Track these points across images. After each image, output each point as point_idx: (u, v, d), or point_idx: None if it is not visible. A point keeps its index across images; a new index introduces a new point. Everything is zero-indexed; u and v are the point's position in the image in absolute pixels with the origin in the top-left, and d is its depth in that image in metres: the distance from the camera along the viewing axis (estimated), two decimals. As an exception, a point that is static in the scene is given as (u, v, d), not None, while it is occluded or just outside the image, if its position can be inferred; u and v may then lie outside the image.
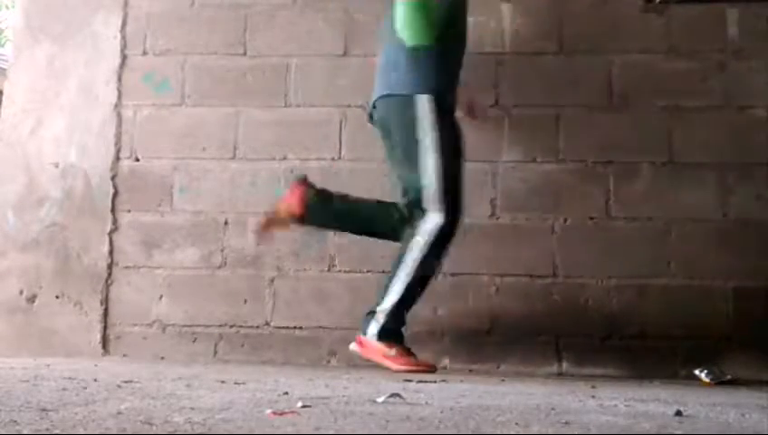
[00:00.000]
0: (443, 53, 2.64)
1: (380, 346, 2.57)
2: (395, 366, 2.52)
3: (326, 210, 2.77)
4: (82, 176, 3.16)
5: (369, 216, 2.74)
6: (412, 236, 2.58)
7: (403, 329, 2.62)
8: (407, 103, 2.60)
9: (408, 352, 2.59)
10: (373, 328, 2.59)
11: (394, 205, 2.69)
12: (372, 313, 2.61)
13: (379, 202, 2.74)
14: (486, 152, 3.00)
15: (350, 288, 2.97)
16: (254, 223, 2.99)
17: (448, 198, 2.58)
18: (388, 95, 2.66)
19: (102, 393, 1.52)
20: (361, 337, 2.62)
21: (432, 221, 2.57)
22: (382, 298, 2.60)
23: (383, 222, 2.70)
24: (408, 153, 2.62)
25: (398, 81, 2.63)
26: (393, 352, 2.55)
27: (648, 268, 2.90)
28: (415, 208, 2.61)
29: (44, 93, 3.23)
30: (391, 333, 2.59)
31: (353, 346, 2.64)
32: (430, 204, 2.58)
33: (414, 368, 2.50)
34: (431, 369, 2.57)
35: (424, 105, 2.59)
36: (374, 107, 2.72)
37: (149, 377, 1.95)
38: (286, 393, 1.63)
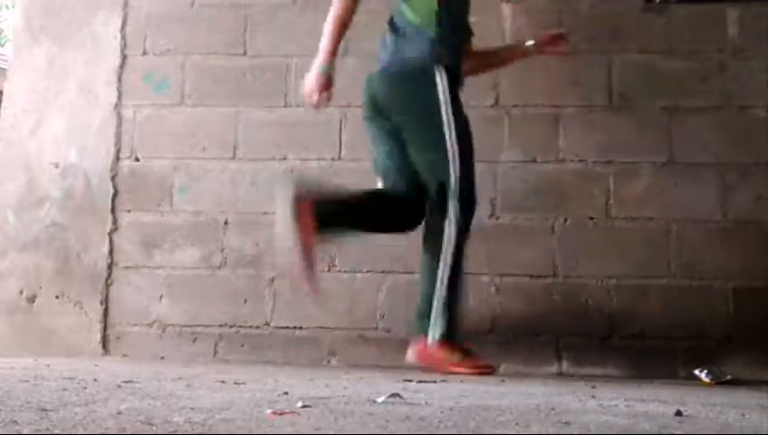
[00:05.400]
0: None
1: (443, 354, 2.47)
2: (467, 370, 2.43)
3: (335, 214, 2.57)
4: (82, 176, 3.16)
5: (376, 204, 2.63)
6: (440, 230, 2.49)
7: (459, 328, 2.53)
8: (424, 79, 2.54)
9: (468, 351, 2.50)
10: (433, 333, 2.47)
11: (404, 196, 2.61)
12: (425, 313, 2.49)
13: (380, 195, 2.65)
14: (486, 152, 3.00)
15: (350, 288, 2.97)
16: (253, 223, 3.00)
17: (465, 178, 2.52)
18: (399, 68, 2.59)
19: (102, 393, 1.52)
20: (422, 344, 2.50)
21: (456, 206, 2.50)
22: (431, 296, 2.48)
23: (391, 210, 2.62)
24: (427, 136, 2.56)
25: (415, 53, 2.58)
26: (457, 356, 2.46)
27: (648, 268, 2.90)
28: (434, 197, 2.52)
29: (44, 93, 3.23)
30: (452, 334, 2.48)
31: (412, 356, 2.52)
32: (450, 192, 2.50)
33: (481, 369, 2.45)
34: (491, 371, 2.51)
35: (443, 81, 2.54)
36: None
37: (149, 377, 1.95)
38: (286, 393, 1.63)
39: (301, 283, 2.48)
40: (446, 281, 2.48)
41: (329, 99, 2.61)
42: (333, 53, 2.57)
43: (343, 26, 2.57)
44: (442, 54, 2.56)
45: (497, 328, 2.92)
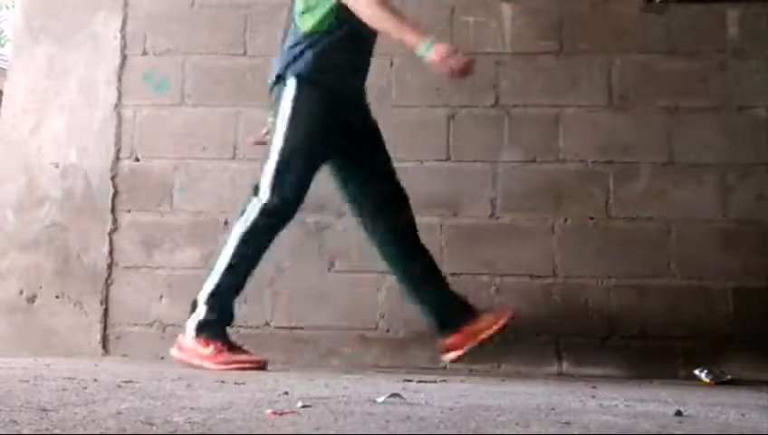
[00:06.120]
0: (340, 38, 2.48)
1: (195, 345, 2.41)
2: (214, 366, 2.35)
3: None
4: (82, 176, 3.16)
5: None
6: (240, 216, 2.47)
7: (226, 322, 2.48)
8: (281, 86, 2.49)
9: (231, 346, 2.43)
10: (191, 323, 2.44)
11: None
12: (194, 304, 2.46)
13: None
14: (486, 152, 3.00)
15: (350, 288, 2.97)
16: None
17: (280, 179, 2.44)
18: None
19: (102, 393, 1.52)
20: (180, 339, 2.48)
21: (259, 200, 2.44)
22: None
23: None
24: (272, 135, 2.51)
25: (281, 62, 2.52)
26: (210, 350, 2.39)
27: (648, 268, 2.90)
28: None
29: (44, 93, 3.23)
30: (211, 325, 2.42)
31: (174, 352, 2.50)
32: (263, 183, 2.46)
33: (238, 365, 2.36)
34: (261, 365, 2.41)
35: (291, 88, 2.46)
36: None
37: (149, 377, 1.95)
38: (286, 393, 1.63)
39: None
40: (220, 270, 2.44)
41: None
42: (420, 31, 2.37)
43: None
44: (299, 61, 2.47)
45: (497, 328, 2.91)
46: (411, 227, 2.59)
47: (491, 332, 2.50)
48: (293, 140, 2.45)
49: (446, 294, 2.56)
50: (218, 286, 2.45)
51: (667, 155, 2.96)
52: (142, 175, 3.14)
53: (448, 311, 2.55)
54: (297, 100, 2.46)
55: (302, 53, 2.48)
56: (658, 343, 2.86)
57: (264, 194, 2.44)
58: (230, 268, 2.45)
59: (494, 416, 1.34)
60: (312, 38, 2.48)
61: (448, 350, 2.54)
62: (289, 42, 2.54)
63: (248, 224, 2.44)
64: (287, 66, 2.49)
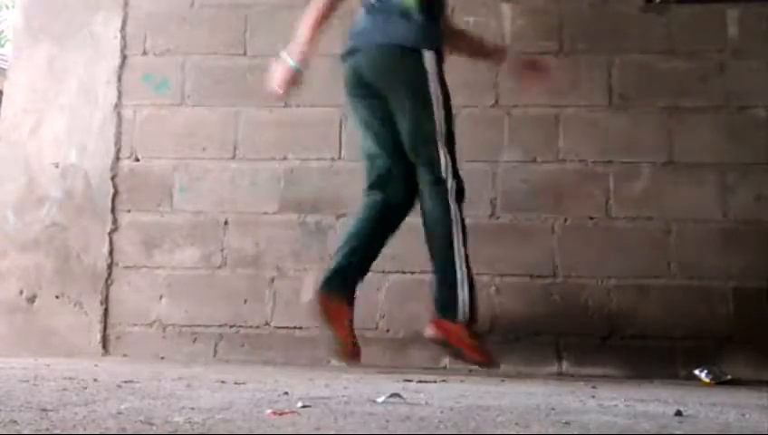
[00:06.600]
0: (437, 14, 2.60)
1: (461, 329, 2.46)
2: (475, 355, 2.47)
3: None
4: (82, 176, 3.16)
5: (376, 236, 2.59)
6: (444, 211, 2.47)
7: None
8: (414, 57, 2.50)
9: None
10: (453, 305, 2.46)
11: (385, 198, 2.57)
12: (444, 290, 2.48)
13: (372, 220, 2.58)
14: (486, 152, 3.00)
15: (350, 288, 2.96)
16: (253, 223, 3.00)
17: (455, 159, 2.50)
18: (390, 45, 2.55)
19: (102, 393, 1.52)
20: (441, 320, 2.48)
21: (453, 188, 2.47)
22: (446, 273, 2.47)
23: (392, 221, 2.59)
24: (416, 107, 2.51)
25: (406, 33, 2.53)
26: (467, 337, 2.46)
27: (648, 268, 2.90)
28: (422, 164, 2.51)
29: (44, 93, 3.23)
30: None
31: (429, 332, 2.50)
32: (442, 168, 2.47)
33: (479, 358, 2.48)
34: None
35: (431, 61, 2.50)
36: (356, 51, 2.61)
37: (149, 377, 1.95)
38: (286, 393, 1.63)
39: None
40: (464, 259, 2.46)
41: (291, 92, 2.58)
42: (307, 50, 2.53)
43: (320, 22, 2.54)
44: (430, 36, 2.53)
45: (497, 328, 2.92)
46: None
47: (340, 341, 2.50)
48: (448, 113, 2.51)
49: (358, 269, 2.58)
50: (470, 275, 2.48)
51: (667, 155, 2.96)
52: (142, 175, 3.15)
53: (347, 275, 2.55)
54: (440, 72, 2.51)
55: (417, 24, 2.51)
56: (658, 343, 2.86)
57: (452, 181, 2.47)
58: (467, 253, 2.48)
59: (494, 416, 1.34)
60: (415, 9, 2.52)
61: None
62: (369, 9, 2.57)
63: (454, 218, 2.46)
64: (405, 37, 2.51)
